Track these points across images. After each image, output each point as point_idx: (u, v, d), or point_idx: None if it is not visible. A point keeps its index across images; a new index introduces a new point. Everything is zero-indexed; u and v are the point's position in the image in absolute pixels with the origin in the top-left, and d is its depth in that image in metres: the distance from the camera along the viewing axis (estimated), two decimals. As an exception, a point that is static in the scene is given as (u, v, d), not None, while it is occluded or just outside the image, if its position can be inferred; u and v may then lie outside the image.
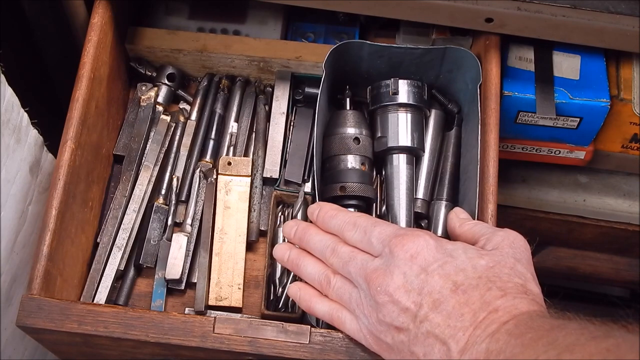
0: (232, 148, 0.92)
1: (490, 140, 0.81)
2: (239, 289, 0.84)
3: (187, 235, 0.87)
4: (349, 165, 0.84)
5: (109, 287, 0.83)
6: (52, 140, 0.89)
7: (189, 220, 0.88)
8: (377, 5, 0.83)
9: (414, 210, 0.86)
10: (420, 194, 0.87)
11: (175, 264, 0.85)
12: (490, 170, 0.80)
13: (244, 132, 0.93)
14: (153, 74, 0.94)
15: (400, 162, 0.86)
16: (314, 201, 0.82)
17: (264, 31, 0.96)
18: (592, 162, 0.99)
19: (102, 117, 0.87)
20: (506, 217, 1.07)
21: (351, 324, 0.69)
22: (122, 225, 0.86)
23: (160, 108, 0.92)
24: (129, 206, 0.87)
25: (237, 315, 0.84)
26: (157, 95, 0.92)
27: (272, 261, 0.85)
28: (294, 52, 0.92)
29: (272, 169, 0.90)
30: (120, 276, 0.85)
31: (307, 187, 0.90)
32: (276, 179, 0.90)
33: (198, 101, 0.93)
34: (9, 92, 0.79)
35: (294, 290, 0.74)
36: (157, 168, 0.89)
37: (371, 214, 0.86)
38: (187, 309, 0.85)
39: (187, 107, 0.95)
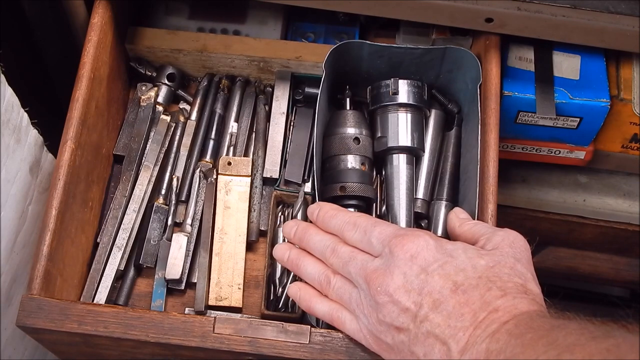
0: (232, 148, 0.92)
1: (490, 140, 0.81)
2: (239, 289, 0.84)
3: (187, 235, 0.87)
4: (349, 165, 0.84)
5: (109, 287, 0.83)
6: (52, 140, 0.89)
7: (189, 220, 0.88)
8: (377, 5, 0.83)
9: (414, 210, 0.86)
10: (420, 194, 0.87)
11: (175, 264, 0.85)
12: (490, 170, 0.80)
13: (244, 132, 0.93)
14: (153, 74, 0.94)
15: (400, 162, 0.86)
16: (314, 201, 0.82)
17: (264, 31, 0.96)
18: (592, 162, 0.99)
19: (102, 117, 0.87)
20: (506, 217, 1.06)
21: (351, 324, 0.69)
22: (122, 225, 0.86)
23: (160, 108, 0.92)
24: (129, 206, 0.87)
25: (237, 315, 0.84)
26: (157, 95, 0.92)
27: (272, 261, 0.85)
28: (294, 52, 0.92)
29: (272, 169, 0.90)
30: (120, 276, 0.85)
31: (307, 187, 0.90)
32: (276, 179, 0.90)
33: (198, 101, 0.93)
34: (9, 92, 0.79)
35: (294, 290, 0.74)
36: (157, 168, 0.89)
37: (371, 214, 0.86)
38: (187, 309, 0.85)
39: (187, 107, 0.95)
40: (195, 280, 0.85)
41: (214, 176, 0.89)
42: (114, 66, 0.89)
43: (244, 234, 0.86)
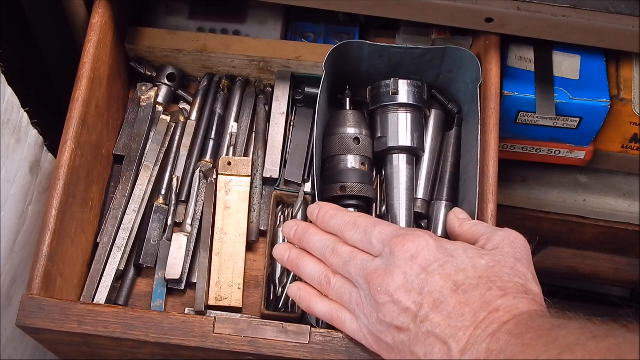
0: (232, 148, 0.92)
1: (490, 140, 0.81)
2: (239, 289, 0.84)
3: (187, 235, 0.87)
4: (349, 165, 0.84)
5: (109, 287, 0.83)
6: (52, 140, 0.89)
7: (189, 220, 0.88)
8: (377, 5, 0.83)
9: (414, 210, 0.86)
10: (420, 194, 0.87)
11: (175, 264, 0.85)
12: (490, 170, 0.80)
13: (244, 132, 0.93)
14: (153, 74, 0.94)
15: (400, 162, 0.86)
16: (314, 201, 0.82)
17: (264, 31, 0.96)
18: (592, 162, 0.99)
19: (102, 117, 0.87)
20: (506, 217, 1.06)
21: (351, 324, 0.69)
22: (122, 225, 0.86)
23: (160, 108, 0.92)
24: (129, 206, 0.87)
25: (237, 315, 0.84)
26: (157, 95, 0.92)
27: (272, 261, 0.85)
28: (294, 52, 0.92)
29: (272, 169, 0.90)
30: (120, 276, 0.85)
31: (307, 187, 0.90)
32: (276, 179, 0.90)
33: (198, 101, 0.93)
34: (9, 92, 0.79)
35: (294, 291, 0.74)
36: (157, 168, 0.89)
37: (371, 214, 0.86)
38: (187, 309, 0.85)
39: (187, 107, 0.95)
40: (195, 280, 0.85)
41: (214, 176, 0.89)
42: (114, 66, 0.89)
43: (244, 234, 0.86)
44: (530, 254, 0.66)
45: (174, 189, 0.89)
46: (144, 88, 0.92)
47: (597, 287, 1.47)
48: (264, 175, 0.90)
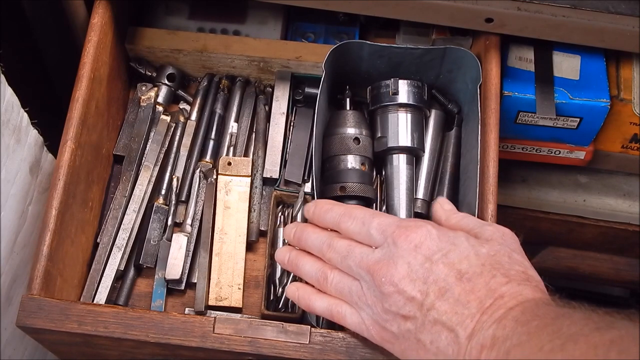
0: (232, 148, 0.92)
1: (490, 140, 0.81)
2: (239, 289, 0.84)
3: (187, 235, 0.87)
4: (349, 166, 0.84)
5: (109, 287, 0.83)
6: (52, 140, 0.89)
7: (189, 220, 0.88)
8: (377, 5, 0.83)
9: (414, 210, 0.86)
10: (420, 194, 0.87)
11: (175, 264, 0.85)
12: (490, 170, 0.80)
13: (244, 132, 0.93)
14: (153, 74, 0.94)
15: (400, 162, 0.86)
16: (314, 201, 0.82)
17: (264, 31, 0.96)
18: (592, 162, 0.99)
19: (102, 117, 0.87)
20: (506, 217, 1.06)
21: (352, 317, 0.69)
22: (122, 226, 0.86)
23: (160, 108, 0.92)
24: (129, 206, 0.87)
25: (237, 316, 0.84)
26: (157, 95, 0.92)
27: (272, 261, 0.85)
28: (294, 52, 0.92)
29: (272, 169, 0.90)
30: (120, 276, 0.85)
31: (307, 187, 0.90)
32: (276, 179, 0.90)
33: (198, 101, 0.93)
34: (9, 92, 0.79)
35: (292, 291, 0.74)
36: (157, 168, 0.89)
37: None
38: (187, 309, 0.85)
39: (187, 107, 0.95)
40: (195, 281, 0.85)
41: (214, 176, 0.89)
42: (114, 66, 0.89)
43: (244, 234, 0.86)
44: (521, 248, 0.67)
45: (174, 189, 0.89)
46: (144, 88, 0.92)
47: (597, 287, 1.47)
48: (264, 175, 0.90)
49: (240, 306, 0.84)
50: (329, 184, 0.84)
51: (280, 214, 0.89)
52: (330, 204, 0.74)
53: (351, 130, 0.85)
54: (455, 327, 0.61)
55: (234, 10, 0.97)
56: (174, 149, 0.91)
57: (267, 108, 0.94)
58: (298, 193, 0.88)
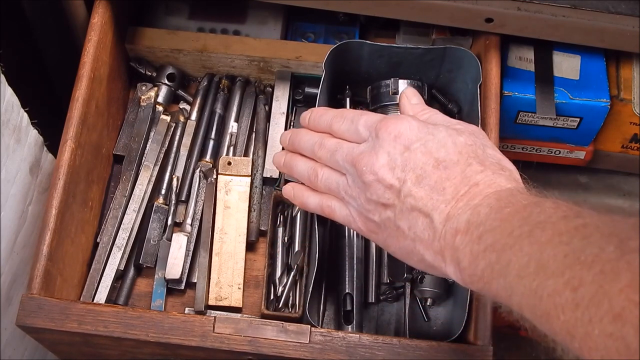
0: (232, 148, 0.92)
1: (490, 140, 0.81)
2: (239, 288, 0.84)
3: (187, 235, 0.87)
4: (349, 165, 0.84)
5: (109, 286, 0.83)
6: (52, 140, 0.89)
7: (189, 220, 0.88)
8: (377, 5, 0.83)
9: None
10: (420, 193, 0.87)
11: (175, 264, 0.85)
12: (490, 170, 0.80)
13: (244, 132, 0.93)
14: (153, 74, 0.94)
15: (400, 162, 0.86)
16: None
17: (264, 31, 0.96)
18: (592, 162, 0.99)
19: (102, 117, 0.87)
20: (506, 217, 1.06)
21: (340, 211, 0.71)
22: (122, 225, 0.86)
23: (160, 108, 0.92)
24: (129, 206, 0.87)
25: (237, 315, 0.84)
26: (157, 95, 0.92)
27: (272, 261, 0.85)
28: (294, 52, 0.92)
29: (272, 169, 0.90)
30: (120, 276, 0.85)
31: (307, 187, 0.89)
32: (276, 179, 0.90)
33: (198, 101, 0.93)
34: (9, 92, 0.79)
35: (288, 190, 0.77)
36: (157, 168, 0.89)
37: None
38: (187, 308, 0.85)
39: (187, 107, 0.95)
40: (195, 280, 0.85)
41: (214, 176, 0.89)
42: (114, 66, 0.89)
43: (244, 234, 0.86)
44: (492, 143, 0.69)
45: (174, 189, 0.89)
46: (144, 88, 0.92)
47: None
48: (264, 175, 0.90)
49: (240, 306, 0.84)
50: (329, 183, 0.84)
51: (280, 214, 0.89)
52: (324, 109, 0.76)
53: (351, 130, 0.85)
54: (430, 213, 0.62)
55: (234, 10, 0.97)
56: (174, 149, 0.91)
57: (267, 108, 0.94)
58: (298, 193, 0.88)
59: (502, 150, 0.80)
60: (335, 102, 0.91)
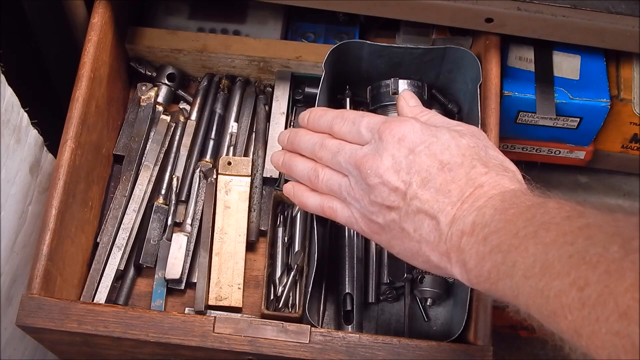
0: (232, 148, 0.92)
1: (490, 140, 0.81)
2: (239, 288, 0.84)
3: (187, 235, 0.87)
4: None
5: (109, 286, 0.83)
6: (52, 140, 0.89)
7: (189, 220, 0.88)
8: (377, 5, 0.83)
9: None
10: (420, 193, 0.87)
11: (175, 264, 0.85)
12: (490, 170, 0.80)
13: (244, 132, 0.93)
14: (153, 74, 0.94)
15: (400, 162, 0.86)
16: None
17: (264, 31, 0.96)
18: (592, 162, 0.99)
19: (102, 117, 0.87)
20: (506, 217, 1.06)
21: (342, 212, 0.71)
22: (122, 225, 0.86)
23: (160, 108, 0.92)
24: (129, 206, 0.87)
25: (237, 315, 0.84)
26: (157, 95, 0.92)
27: (272, 261, 0.85)
28: (294, 52, 0.92)
29: (272, 169, 0.90)
30: (120, 276, 0.85)
31: (307, 187, 0.89)
32: (276, 179, 0.90)
33: (198, 101, 0.93)
34: (9, 92, 0.79)
35: (288, 189, 0.77)
36: (157, 168, 0.89)
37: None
38: (187, 308, 0.85)
39: (187, 107, 0.95)
40: (195, 280, 0.85)
41: (214, 176, 0.89)
42: (114, 66, 0.89)
43: (244, 234, 0.86)
44: (493, 144, 0.69)
45: (174, 189, 0.89)
46: (144, 88, 0.92)
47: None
48: (264, 175, 0.90)
49: (240, 306, 0.84)
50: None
51: (280, 214, 0.89)
52: (323, 110, 0.76)
53: (351, 130, 0.85)
54: (436, 215, 0.62)
55: (234, 10, 0.97)
56: (174, 149, 0.91)
57: (267, 108, 0.94)
58: (298, 193, 0.88)
59: (502, 150, 0.80)
60: (335, 102, 0.91)
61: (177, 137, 0.92)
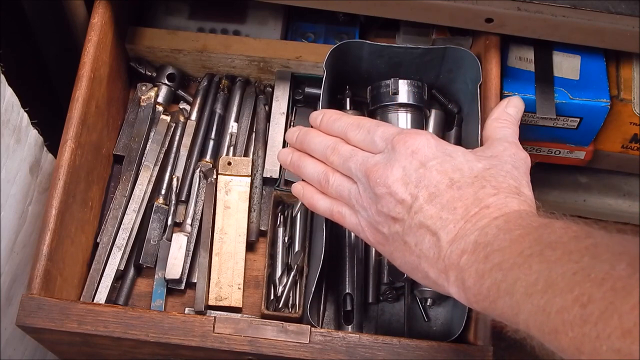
0: (232, 148, 0.92)
1: (490, 140, 0.81)
2: (239, 289, 0.84)
3: (187, 235, 0.87)
4: (349, 165, 0.84)
5: (109, 287, 0.83)
6: (52, 140, 0.89)
7: (189, 220, 0.88)
8: (377, 5, 0.83)
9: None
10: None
11: (175, 264, 0.85)
12: (490, 170, 0.80)
13: (244, 132, 0.93)
14: (153, 74, 0.94)
15: (400, 162, 0.86)
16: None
17: (264, 31, 0.96)
18: (592, 162, 0.99)
19: (102, 117, 0.87)
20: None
21: (350, 219, 0.71)
22: (122, 225, 0.86)
23: (160, 108, 0.92)
24: (129, 206, 0.87)
25: (237, 315, 0.84)
26: (157, 95, 0.92)
27: (272, 261, 0.85)
28: (294, 52, 0.92)
29: (272, 169, 0.90)
30: (120, 276, 0.85)
31: (307, 187, 0.89)
32: (276, 179, 0.90)
33: (198, 101, 0.93)
34: (9, 92, 0.79)
35: (298, 189, 0.76)
36: (157, 168, 0.89)
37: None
38: (187, 309, 0.85)
39: (187, 107, 0.95)
40: (195, 280, 0.85)
41: (214, 176, 0.89)
42: (114, 66, 0.89)
43: (244, 234, 0.86)
44: (529, 169, 0.68)
45: (174, 189, 0.89)
46: (144, 88, 0.92)
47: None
48: (264, 175, 0.90)
49: (240, 306, 0.84)
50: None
51: (280, 213, 0.89)
52: (338, 114, 0.75)
53: (351, 130, 0.85)
54: (438, 231, 0.62)
55: (234, 10, 0.97)
56: (174, 149, 0.91)
57: (267, 108, 0.94)
58: (298, 193, 0.88)
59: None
60: (335, 102, 0.91)
61: (177, 137, 0.92)
